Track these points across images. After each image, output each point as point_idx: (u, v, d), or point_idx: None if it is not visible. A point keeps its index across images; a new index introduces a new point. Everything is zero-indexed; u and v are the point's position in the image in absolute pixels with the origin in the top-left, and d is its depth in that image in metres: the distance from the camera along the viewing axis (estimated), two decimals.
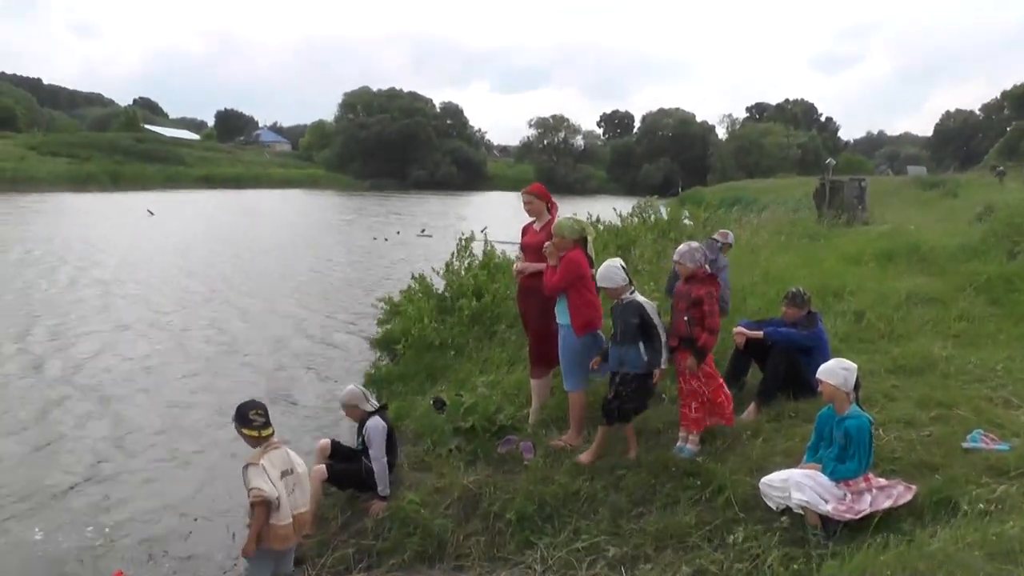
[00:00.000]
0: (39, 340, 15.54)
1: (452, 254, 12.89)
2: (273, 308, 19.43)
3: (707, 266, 7.42)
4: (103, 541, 7.83)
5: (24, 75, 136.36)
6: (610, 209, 18.53)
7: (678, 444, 7.34)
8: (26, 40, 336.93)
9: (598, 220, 17.76)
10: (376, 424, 7.25)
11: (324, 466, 7.35)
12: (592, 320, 7.62)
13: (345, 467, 7.43)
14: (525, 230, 8.62)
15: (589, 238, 7.72)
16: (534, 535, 6.58)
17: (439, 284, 12.66)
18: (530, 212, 8.41)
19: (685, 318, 7.13)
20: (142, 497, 8.80)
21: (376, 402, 7.59)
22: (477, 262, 12.72)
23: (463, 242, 12.74)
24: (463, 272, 12.17)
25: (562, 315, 7.58)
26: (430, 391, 9.66)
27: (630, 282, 7.27)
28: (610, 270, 7.20)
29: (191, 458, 9.93)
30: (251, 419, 5.86)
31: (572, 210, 16.75)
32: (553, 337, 7.78)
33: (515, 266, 8.39)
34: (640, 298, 7.23)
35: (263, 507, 5.73)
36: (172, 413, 11.51)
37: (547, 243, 7.80)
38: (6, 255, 27.47)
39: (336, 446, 7.60)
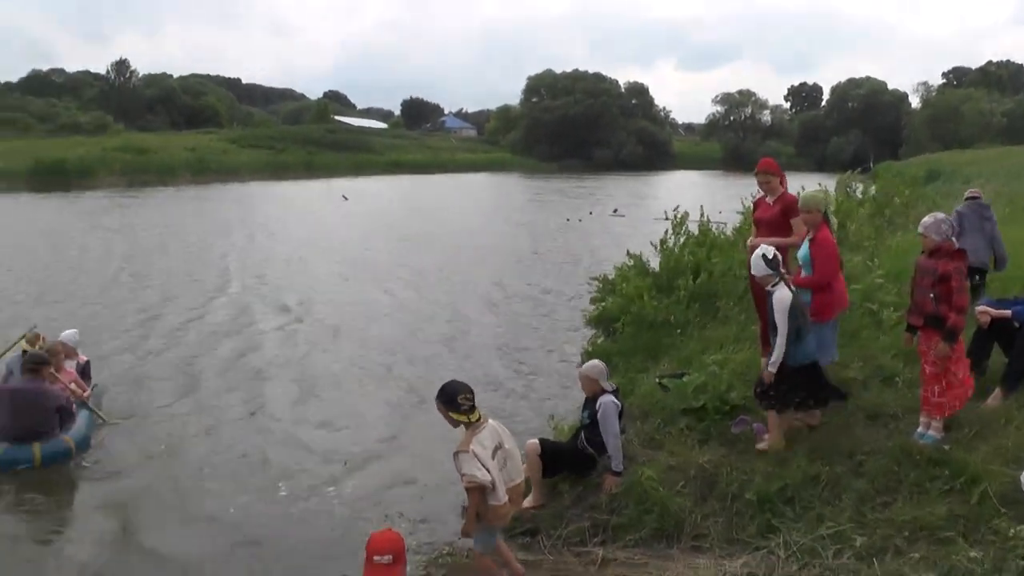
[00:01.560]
0: (284, 312, 16.59)
1: (666, 231, 12.56)
2: (477, 287, 19.69)
3: (953, 238, 6.83)
4: (343, 504, 8.12)
5: (225, 75, 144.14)
6: (798, 186, 17.59)
7: (919, 430, 6.85)
8: (227, 42, 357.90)
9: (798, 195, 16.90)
10: (611, 401, 7.08)
11: (537, 440, 7.26)
12: (833, 303, 7.17)
13: (558, 445, 7.35)
14: (757, 204, 8.25)
15: (830, 210, 7.27)
16: (776, 519, 6.24)
17: (652, 262, 12.35)
18: (766, 190, 8.00)
19: (931, 295, 6.58)
20: (377, 466, 9.07)
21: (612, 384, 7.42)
22: (692, 239, 12.33)
23: (677, 219, 12.36)
24: (679, 249, 11.79)
25: (804, 293, 7.15)
26: (652, 369, 9.47)
27: (777, 272, 6.84)
28: (755, 259, 6.93)
29: (421, 430, 10.06)
30: (459, 403, 5.72)
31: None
32: None
33: (748, 241, 8.02)
34: (779, 293, 6.82)
35: (477, 492, 5.67)
36: (397, 386, 11.82)
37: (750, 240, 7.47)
38: (229, 237, 29.26)
39: (544, 443, 7.36)
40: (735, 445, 7.20)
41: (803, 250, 7.45)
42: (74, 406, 9.44)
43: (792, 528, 6.08)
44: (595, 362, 7.50)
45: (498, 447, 5.82)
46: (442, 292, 18.90)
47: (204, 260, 23.75)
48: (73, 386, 9.87)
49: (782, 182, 8.06)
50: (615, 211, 39.53)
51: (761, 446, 6.97)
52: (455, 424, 5.77)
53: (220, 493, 8.37)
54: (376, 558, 4.41)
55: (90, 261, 23.09)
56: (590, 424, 7.21)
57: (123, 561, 7.17)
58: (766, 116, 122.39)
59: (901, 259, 10.97)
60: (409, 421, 10.36)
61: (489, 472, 5.61)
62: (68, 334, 10.90)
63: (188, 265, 22.65)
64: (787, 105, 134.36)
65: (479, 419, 5.75)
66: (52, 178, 49.72)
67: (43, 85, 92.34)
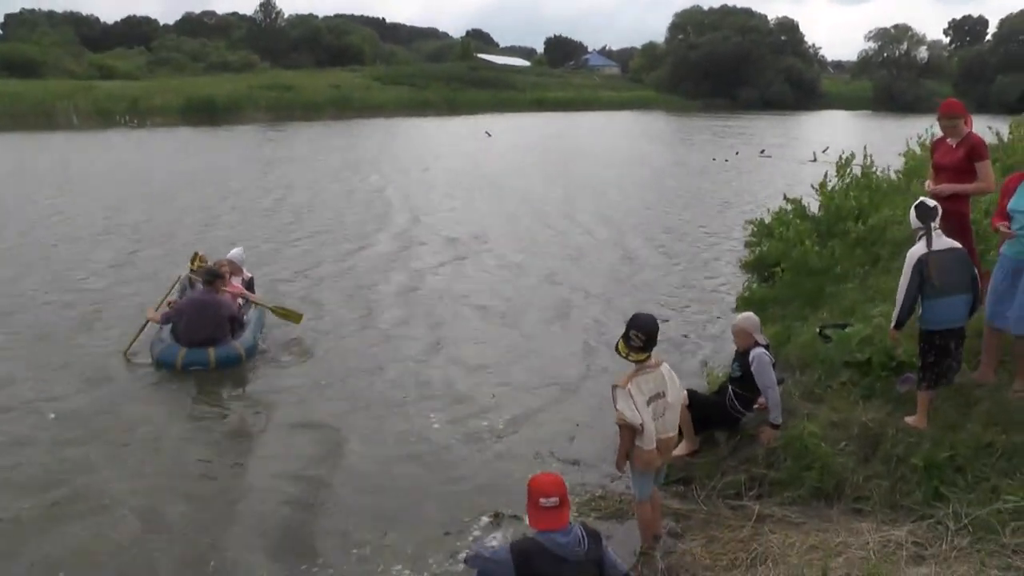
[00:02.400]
0: (451, 245, 17.04)
1: (825, 174, 11.89)
2: (628, 228, 19.36)
3: None
4: (494, 438, 8.13)
5: (369, 15, 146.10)
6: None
7: None
8: None
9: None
10: (762, 353, 6.76)
11: (686, 391, 6.96)
12: None
13: (706, 399, 7.09)
14: (936, 146, 7.59)
15: None
16: (945, 487, 5.81)
17: (813, 205, 11.75)
18: (951, 134, 7.33)
19: None
20: (522, 400, 9.03)
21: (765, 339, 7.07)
22: (854, 182, 11.62)
23: (842, 161, 11.64)
24: (842, 194, 11.11)
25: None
26: (811, 318, 9.01)
27: (925, 225, 6.16)
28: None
29: (577, 370, 10.04)
30: (630, 338, 5.57)
31: (913, 131, 14.99)
32: None
33: (927, 186, 7.39)
34: (915, 247, 6.23)
35: (627, 430, 5.57)
36: (540, 327, 11.79)
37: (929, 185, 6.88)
38: (384, 171, 29.75)
39: (692, 395, 7.02)
40: (901, 404, 6.70)
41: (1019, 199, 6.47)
42: (244, 315, 10.37)
43: (963, 499, 5.63)
44: (749, 314, 7.18)
45: (658, 395, 5.66)
46: (597, 232, 18.73)
47: (365, 193, 24.44)
48: (243, 294, 10.77)
49: (967, 123, 7.37)
50: (762, 152, 38.13)
51: (909, 419, 6.46)
52: (623, 356, 5.66)
53: (375, 418, 8.57)
54: (543, 501, 4.30)
55: (253, 191, 24.19)
56: (740, 377, 6.95)
57: (277, 454, 7.72)
58: (923, 52, 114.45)
59: None
60: (565, 361, 10.29)
61: (640, 415, 5.48)
62: (235, 252, 11.80)
63: (350, 197, 23.41)
64: (947, 40, 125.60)
65: (644, 360, 5.59)
66: (203, 114, 52.22)
67: (195, 26, 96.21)
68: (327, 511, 6.74)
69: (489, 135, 46.31)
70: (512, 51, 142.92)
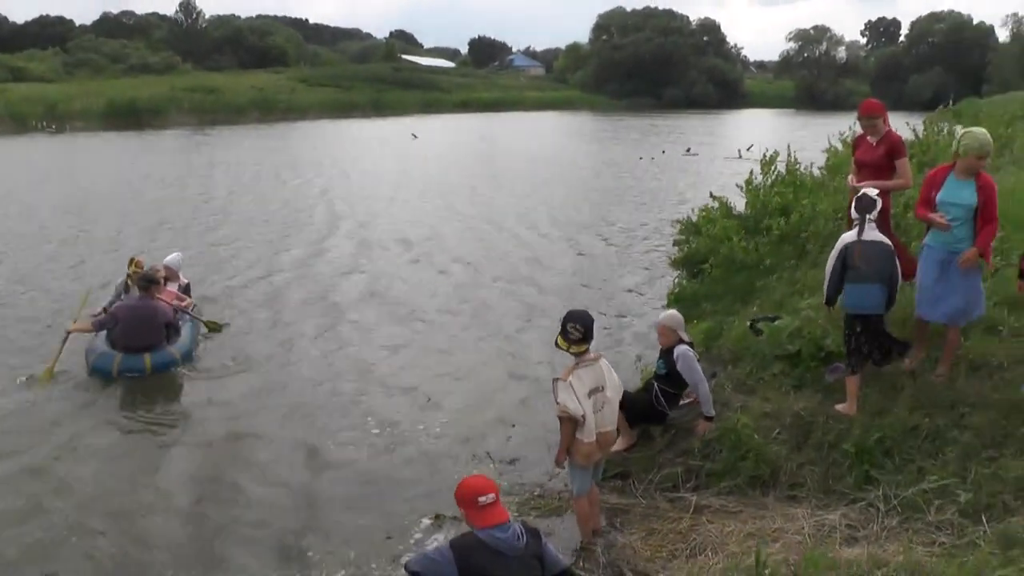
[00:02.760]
0: (395, 245, 17.09)
1: (751, 172, 12.12)
2: (557, 228, 19.49)
3: None
4: (431, 440, 8.08)
5: (292, 16, 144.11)
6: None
7: None
8: None
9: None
10: (688, 351, 6.87)
11: None
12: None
13: (634, 394, 7.14)
14: (857, 143, 7.78)
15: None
16: (874, 470, 5.99)
17: (738, 203, 11.97)
18: (871, 133, 7.53)
19: None
20: (463, 403, 9.02)
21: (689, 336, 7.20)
22: (779, 179, 11.84)
23: (767, 158, 11.88)
24: (767, 190, 11.34)
25: (964, 241, 6.59)
26: (742, 312, 9.15)
27: (861, 217, 6.56)
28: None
29: (505, 368, 10.10)
30: (568, 331, 5.69)
31: (835, 128, 15.41)
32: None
33: (849, 182, 7.59)
34: (846, 234, 6.68)
35: (568, 423, 5.63)
36: (477, 324, 11.86)
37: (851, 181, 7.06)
38: (322, 174, 29.44)
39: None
40: (831, 393, 6.88)
41: (961, 193, 6.56)
42: (179, 322, 10.36)
43: (892, 481, 5.83)
44: (672, 312, 7.32)
45: (598, 389, 5.74)
46: (525, 233, 18.81)
47: (305, 196, 24.39)
48: (175, 302, 10.68)
49: (885, 121, 7.59)
50: (688, 150, 38.70)
51: (839, 407, 6.65)
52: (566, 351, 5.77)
53: (309, 426, 8.47)
54: (481, 499, 4.29)
55: (192, 197, 23.80)
56: (666, 374, 7.02)
57: (212, 463, 7.64)
58: (841, 53, 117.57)
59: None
60: (495, 362, 10.30)
61: (581, 406, 5.56)
62: (171, 258, 11.74)
63: (290, 202, 23.24)
64: (864, 41, 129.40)
65: (584, 352, 5.69)
66: (125, 118, 50.74)
67: (113, 27, 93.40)
68: (264, 522, 6.62)
69: (416, 137, 46.08)
70: (436, 52, 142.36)
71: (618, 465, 6.86)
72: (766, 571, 3.99)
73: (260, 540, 6.36)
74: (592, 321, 5.80)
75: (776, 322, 7.89)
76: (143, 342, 9.67)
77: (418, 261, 15.76)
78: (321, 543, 6.27)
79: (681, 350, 6.85)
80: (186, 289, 11.55)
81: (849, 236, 6.57)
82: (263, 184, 26.57)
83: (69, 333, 9.88)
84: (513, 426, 8.33)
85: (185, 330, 10.39)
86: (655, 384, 7.10)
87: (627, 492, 6.61)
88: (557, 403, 5.63)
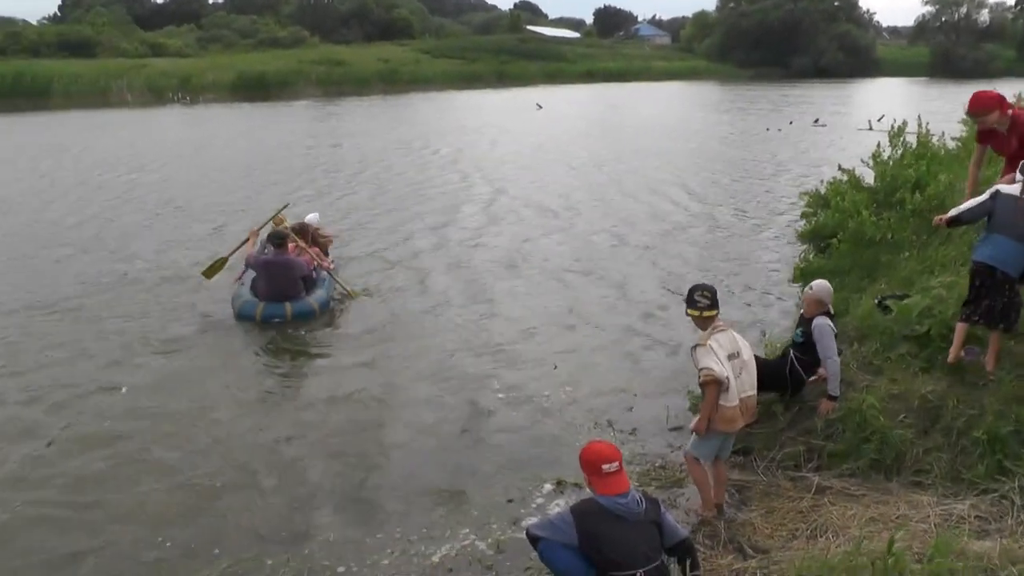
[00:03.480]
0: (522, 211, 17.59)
1: (878, 143, 11.68)
2: (685, 200, 19.29)
3: None
4: (554, 407, 8.18)
5: None
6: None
7: None
8: None
9: None
10: (825, 323, 6.69)
11: None
12: None
13: (766, 363, 6.99)
14: (988, 135, 7.22)
15: None
16: (1008, 460, 5.73)
17: (864, 176, 11.56)
18: (991, 125, 7.02)
19: None
20: (589, 372, 9.08)
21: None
22: (909, 151, 11.37)
23: (894, 130, 11.42)
24: (896, 163, 10.90)
25: None
26: (869, 289, 8.87)
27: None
28: None
29: (630, 337, 10.13)
30: (695, 300, 5.76)
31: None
32: None
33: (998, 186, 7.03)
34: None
35: (714, 386, 5.60)
36: (606, 292, 11.98)
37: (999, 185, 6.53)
38: (431, 144, 29.91)
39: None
40: (962, 377, 6.60)
41: None
42: (316, 275, 11.29)
43: None
44: (823, 282, 7.08)
45: (735, 355, 5.74)
46: (656, 203, 18.68)
47: (434, 164, 25.02)
48: (317, 259, 11.67)
49: (1004, 107, 7.01)
50: (816, 121, 37.40)
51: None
52: (696, 323, 5.84)
53: (435, 383, 8.77)
54: (605, 467, 4.39)
55: (330, 164, 24.85)
56: (803, 343, 6.87)
57: (346, 421, 7.97)
58: (984, 15, 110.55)
59: None
60: (622, 332, 10.34)
61: (724, 368, 5.56)
62: (311, 217, 12.81)
63: (420, 169, 23.94)
64: (1011, 2, 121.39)
65: (714, 315, 5.74)
66: (254, 90, 52.66)
67: (244, 4, 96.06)
68: (390, 477, 6.86)
69: (540, 107, 46.00)
70: (561, 22, 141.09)
71: (740, 441, 6.74)
72: (891, 558, 3.91)
73: (386, 495, 6.59)
74: (716, 290, 5.85)
75: (905, 300, 7.62)
76: (283, 293, 10.58)
77: (551, 231, 15.85)
78: (445, 504, 6.42)
79: (820, 321, 6.70)
80: (326, 246, 12.52)
81: (1008, 188, 6.31)
82: (392, 154, 27.17)
83: (248, 238, 11.39)
84: (635, 396, 8.34)
85: (324, 284, 11.22)
86: (791, 352, 6.97)
87: (748, 468, 6.57)
88: (699, 369, 5.62)
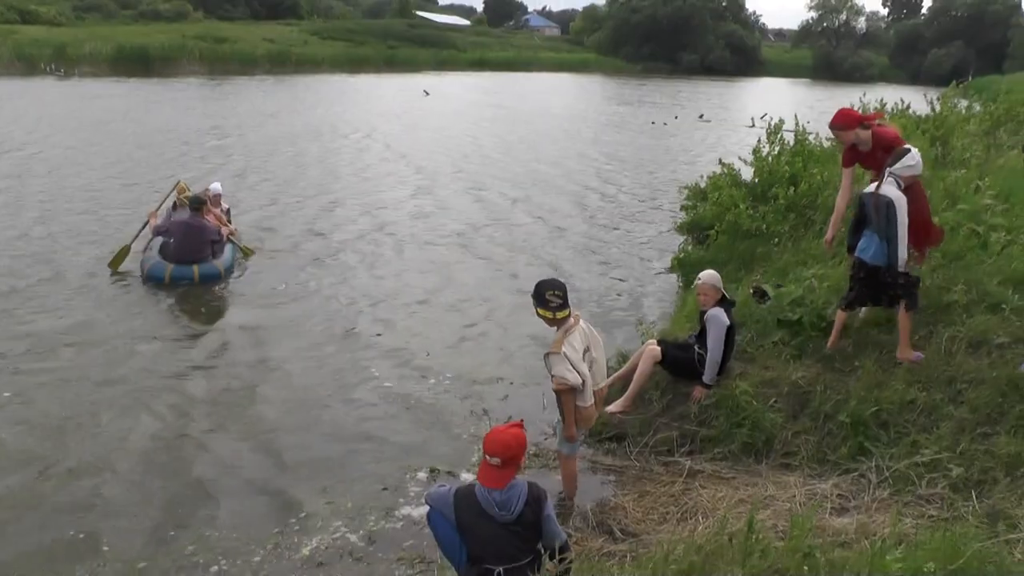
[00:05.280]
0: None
1: (759, 140, 12.07)
2: (565, 190, 19.56)
3: None
4: (430, 395, 8.16)
5: None
6: (896, 97, 16.78)
7: None
8: None
9: (902, 107, 16.02)
10: (719, 315, 6.87)
11: (659, 348, 7.10)
12: None
13: (680, 353, 7.13)
14: (853, 156, 7.50)
15: None
16: (869, 442, 6.06)
17: (743, 172, 11.95)
18: (856, 141, 7.30)
19: None
20: (457, 359, 9.12)
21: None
22: (787, 149, 11.79)
23: (772, 127, 11.83)
24: (774, 159, 11.30)
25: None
26: (745, 279, 9.18)
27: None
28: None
29: (507, 324, 10.21)
30: (547, 300, 5.62)
31: (850, 99, 15.50)
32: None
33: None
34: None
35: (569, 394, 5.61)
36: (487, 275, 12.14)
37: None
38: (319, 137, 29.45)
39: (665, 347, 7.18)
40: (830, 363, 6.93)
41: None
42: (222, 240, 11.66)
43: (885, 453, 5.91)
44: (710, 273, 7.18)
45: (586, 350, 5.75)
46: (537, 194, 18.80)
47: (342, 144, 25.11)
48: (224, 225, 12.18)
49: (865, 122, 7.23)
50: (701, 116, 38.48)
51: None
52: (547, 323, 5.73)
53: (312, 365, 8.75)
54: (488, 459, 4.30)
55: (226, 141, 24.51)
56: (701, 335, 7.04)
57: (227, 394, 8.06)
58: (861, 23, 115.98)
59: (1013, 179, 10.34)
60: (501, 316, 10.49)
61: (580, 374, 5.55)
62: (213, 186, 13.05)
63: (328, 147, 24.07)
64: (885, 12, 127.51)
65: (566, 316, 5.65)
66: (135, 64, 50.32)
67: None
68: (260, 468, 6.72)
69: (427, 94, 45.77)
70: (451, 9, 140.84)
71: (614, 427, 6.91)
72: (755, 536, 4.05)
73: (258, 483, 6.46)
74: (566, 287, 5.78)
75: (779, 289, 7.92)
76: (193, 255, 11.02)
77: (431, 215, 16.03)
78: (316, 496, 6.32)
79: (712, 312, 6.87)
80: (226, 213, 12.94)
81: (871, 187, 6.69)
82: (297, 135, 26.75)
83: (148, 220, 11.65)
84: (512, 384, 8.41)
85: (227, 249, 11.68)
86: (695, 348, 7.05)
87: (620, 454, 6.69)
88: (553, 376, 5.58)
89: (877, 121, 7.46)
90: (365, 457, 6.91)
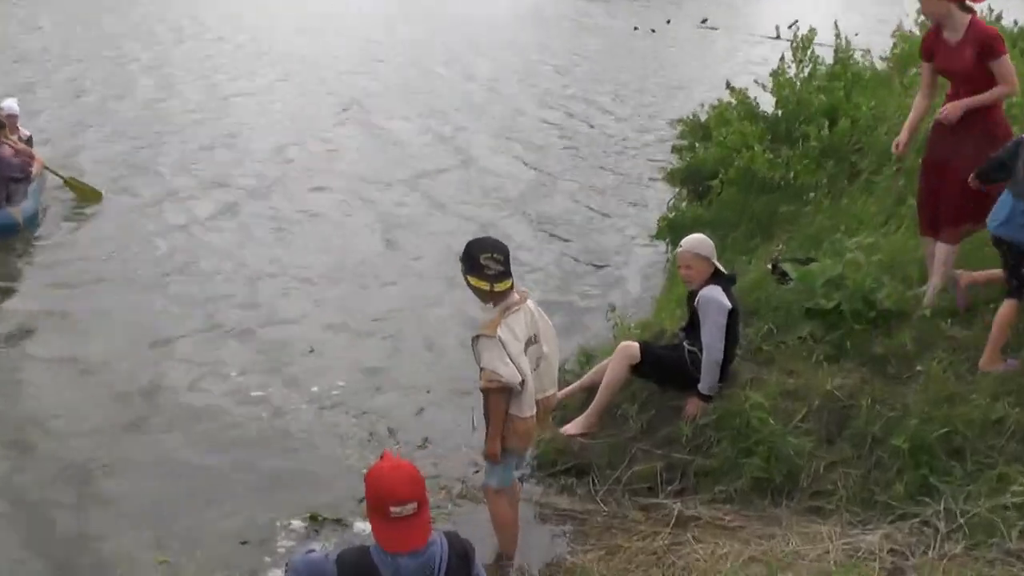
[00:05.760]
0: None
1: (782, 58, 12.09)
2: (506, 120, 19.59)
3: None
4: (313, 409, 8.15)
5: None
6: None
7: None
8: None
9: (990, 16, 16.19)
10: (716, 295, 6.82)
11: (637, 345, 7.06)
12: None
13: (667, 353, 7.14)
14: (932, 45, 7.58)
15: None
16: (935, 476, 6.02)
17: (764, 100, 11.96)
18: (941, 24, 7.40)
19: None
20: (354, 358, 9.10)
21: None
22: (823, 70, 11.84)
23: (800, 41, 11.81)
24: (804, 84, 11.30)
25: None
26: (760, 250, 9.23)
27: None
28: None
29: (418, 314, 10.17)
30: (482, 265, 5.52)
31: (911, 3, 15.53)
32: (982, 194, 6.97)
33: (941, 113, 7.40)
34: None
35: (500, 396, 5.50)
36: (396, 246, 12.15)
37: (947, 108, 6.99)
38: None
39: (647, 349, 7.12)
40: (880, 367, 6.95)
41: None
42: (25, 179, 11.90)
43: (959, 492, 5.87)
44: (697, 237, 7.19)
45: (532, 340, 5.67)
46: (475, 130, 18.87)
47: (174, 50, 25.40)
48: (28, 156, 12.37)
49: (968, 2, 7.36)
50: (704, 21, 38.56)
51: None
52: (481, 297, 5.65)
53: (153, 363, 8.80)
54: (394, 509, 3.97)
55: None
56: (689, 326, 7.05)
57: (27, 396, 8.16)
58: None
59: None
60: (416, 301, 10.48)
61: (519, 370, 5.45)
62: (8, 103, 13.03)
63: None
64: None
65: (507, 290, 5.58)
66: None
67: None
68: (64, 507, 6.66)
69: None
70: None
71: (573, 456, 6.88)
72: None
73: (48, 539, 6.36)
74: (508, 250, 5.68)
75: (809, 265, 7.95)
76: None
77: (316, 156, 16.19)
78: (146, 547, 6.23)
79: (707, 293, 6.82)
80: (28, 142, 13.09)
81: None
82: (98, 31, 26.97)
83: None
84: (428, 393, 8.42)
85: (31, 192, 11.83)
86: (684, 344, 7.05)
87: (582, 494, 6.67)
88: (482, 369, 5.48)
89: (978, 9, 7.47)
90: (217, 497, 6.82)
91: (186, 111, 18.50)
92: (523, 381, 5.48)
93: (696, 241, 7.05)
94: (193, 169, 14.70)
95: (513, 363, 5.43)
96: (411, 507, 3.88)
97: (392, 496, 3.86)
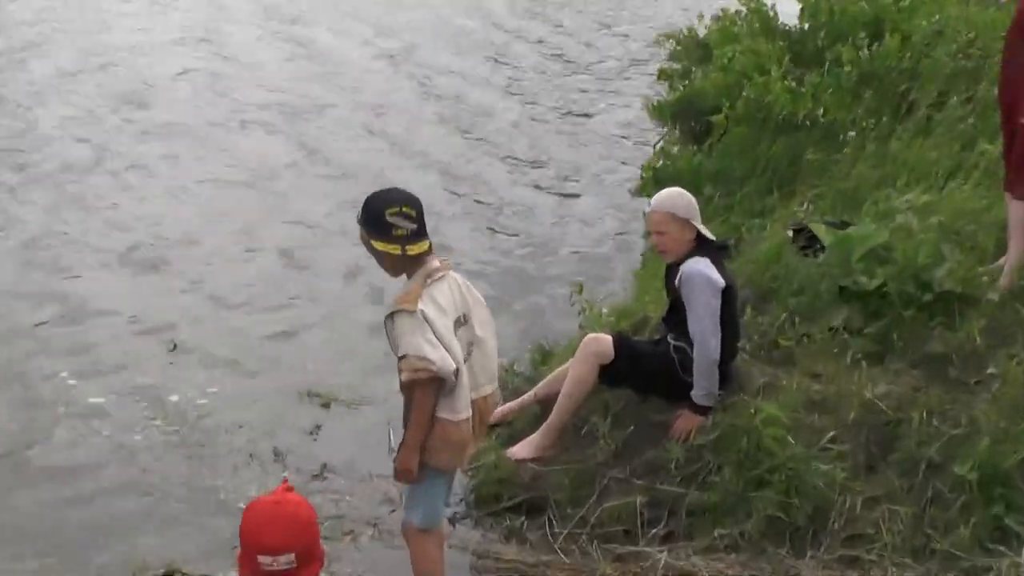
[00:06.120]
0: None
1: None
2: (446, 36, 20.11)
3: None
4: (170, 424, 8.07)
5: None
6: None
7: None
8: None
9: None
10: (702, 269, 6.71)
11: (610, 338, 6.97)
12: None
13: (649, 349, 7.11)
14: None
15: None
16: (1013, 516, 5.91)
17: (785, 9, 11.92)
18: None
19: None
20: (233, 357, 9.09)
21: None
22: None
23: None
24: None
25: None
26: (778, 210, 9.18)
27: None
28: None
29: (315, 299, 10.24)
30: (389, 224, 5.33)
31: None
32: None
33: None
34: None
35: (429, 387, 5.30)
36: (271, 217, 12.20)
37: None
38: None
39: (621, 341, 7.06)
40: (939, 370, 6.89)
41: None
42: None
43: None
44: (672, 192, 7.09)
45: (462, 322, 5.53)
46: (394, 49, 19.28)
47: None
48: None
49: None
50: None
51: None
52: (390, 265, 5.49)
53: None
54: (263, 560, 3.90)
55: None
56: (671, 314, 7.05)
57: None
58: None
59: None
60: (326, 275, 10.65)
61: (452, 354, 5.27)
62: None
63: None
64: None
65: (425, 252, 5.42)
66: None
67: None
68: None
69: None
70: None
71: (523, 488, 6.84)
72: None
73: None
74: (421, 204, 5.51)
75: (847, 231, 7.88)
76: None
77: (205, 83, 16.74)
78: None
79: (689, 268, 6.73)
80: None
81: None
82: None
83: None
84: (337, 400, 8.36)
85: None
86: (668, 336, 7.03)
87: (536, 539, 6.62)
88: (403, 357, 5.28)
89: None
90: (47, 544, 6.76)
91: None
92: (458, 370, 5.30)
93: (671, 197, 6.97)
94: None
95: (443, 345, 5.25)
96: (285, 560, 3.86)
97: (258, 544, 3.85)
